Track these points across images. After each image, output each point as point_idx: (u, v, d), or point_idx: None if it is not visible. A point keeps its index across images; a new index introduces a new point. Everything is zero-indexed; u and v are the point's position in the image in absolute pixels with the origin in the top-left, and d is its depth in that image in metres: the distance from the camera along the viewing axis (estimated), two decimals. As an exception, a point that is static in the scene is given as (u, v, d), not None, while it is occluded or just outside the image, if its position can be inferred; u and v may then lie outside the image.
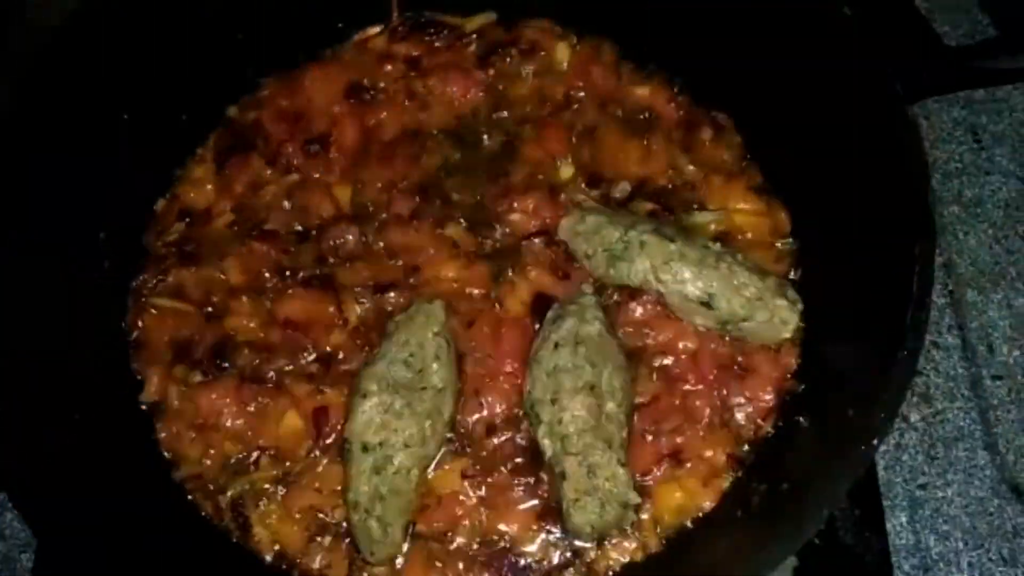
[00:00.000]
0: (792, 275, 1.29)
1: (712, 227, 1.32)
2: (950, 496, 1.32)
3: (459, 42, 1.47)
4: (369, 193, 1.36)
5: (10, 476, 1.01)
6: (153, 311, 1.30)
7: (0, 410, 1.03)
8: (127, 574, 1.04)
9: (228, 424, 1.22)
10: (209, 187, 1.37)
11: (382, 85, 1.44)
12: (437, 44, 1.47)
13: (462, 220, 1.33)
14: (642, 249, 1.21)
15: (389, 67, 1.45)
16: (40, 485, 1.02)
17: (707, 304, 1.19)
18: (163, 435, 1.23)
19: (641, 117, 1.41)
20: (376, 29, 1.48)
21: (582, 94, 1.42)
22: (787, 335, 1.21)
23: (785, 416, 1.20)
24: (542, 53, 1.46)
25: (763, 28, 1.28)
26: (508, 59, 1.45)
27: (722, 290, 1.19)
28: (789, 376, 1.22)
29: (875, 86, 1.14)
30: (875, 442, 0.96)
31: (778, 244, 1.31)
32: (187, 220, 1.35)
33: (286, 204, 1.35)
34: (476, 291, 1.29)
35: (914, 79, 1.28)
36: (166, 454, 1.23)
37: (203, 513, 1.20)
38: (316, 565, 1.17)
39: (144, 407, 1.25)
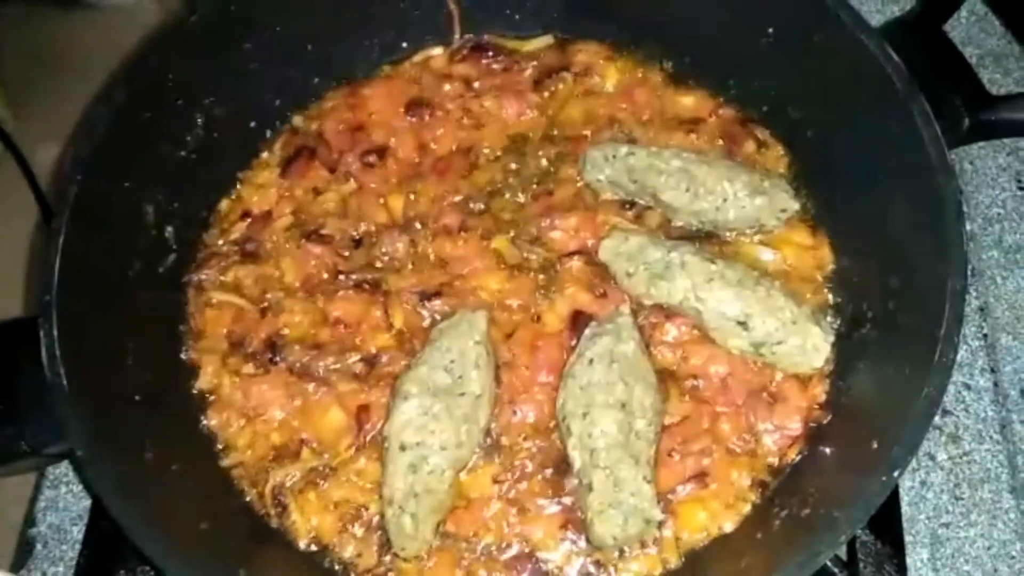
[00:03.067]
0: (825, 308, 1.32)
1: (766, 263, 1.34)
2: (973, 537, 1.33)
3: (516, 64, 1.53)
4: (421, 204, 1.42)
5: (78, 442, 1.08)
6: (212, 304, 1.36)
7: (73, 390, 1.10)
8: (171, 545, 1.08)
9: (275, 415, 1.28)
10: (272, 191, 1.44)
11: (440, 103, 1.50)
12: (494, 66, 1.53)
13: (507, 235, 1.39)
14: (683, 269, 1.26)
15: (448, 87, 1.51)
16: (103, 457, 1.09)
17: (743, 324, 1.23)
18: (213, 421, 1.30)
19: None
20: (438, 50, 1.55)
21: (624, 116, 1.47)
22: (818, 364, 1.24)
23: (810, 445, 1.23)
24: (594, 77, 1.51)
25: (807, 66, 1.32)
26: (561, 82, 1.50)
27: (759, 312, 1.22)
28: (817, 406, 1.25)
29: (917, 128, 1.17)
30: (895, 474, 0.99)
31: (817, 277, 1.34)
32: (249, 221, 1.42)
33: (343, 211, 1.42)
34: (517, 304, 1.34)
35: (958, 125, 1.31)
36: (215, 440, 1.29)
37: (247, 499, 1.26)
38: (347, 554, 1.22)
39: (197, 394, 1.32)
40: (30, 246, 1.77)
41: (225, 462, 1.28)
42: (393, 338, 1.32)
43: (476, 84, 1.51)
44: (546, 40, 1.55)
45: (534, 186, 1.43)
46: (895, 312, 1.20)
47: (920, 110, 1.16)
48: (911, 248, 1.19)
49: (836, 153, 1.32)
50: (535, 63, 1.53)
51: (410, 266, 1.37)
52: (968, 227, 1.51)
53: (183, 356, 1.34)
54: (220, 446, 1.29)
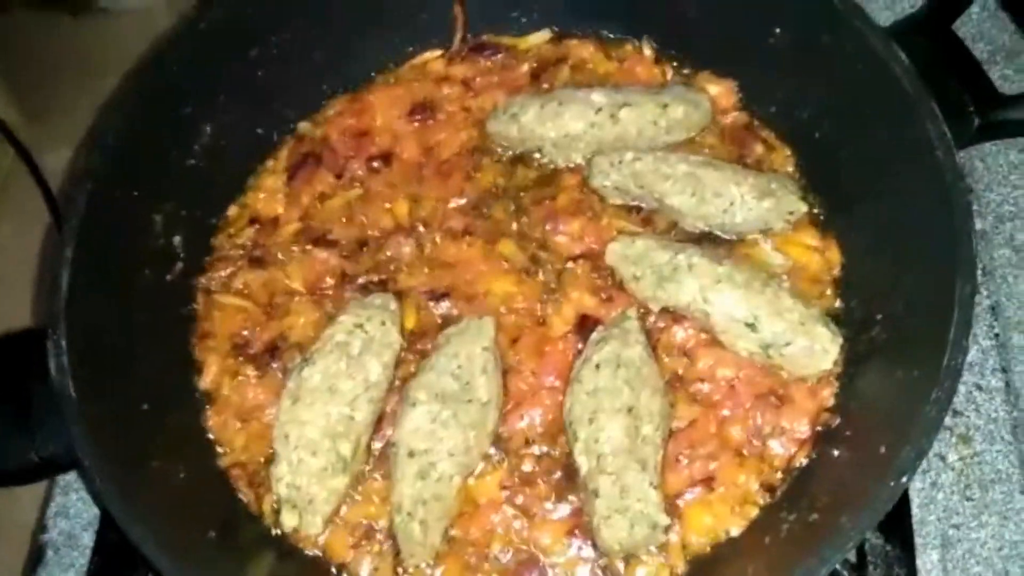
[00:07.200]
0: (834, 310, 1.31)
1: (775, 266, 1.33)
2: (983, 538, 1.32)
3: (513, 61, 1.53)
4: (426, 208, 1.42)
5: (86, 454, 1.09)
6: (220, 307, 1.37)
7: (81, 401, 1.10)
8: (180, 555, 1.08)
9: (271, 417, 1.27)
10: (279, 196, 1.45)
11: (441, 105, 1.49)
12: (492, 64, 1.52)
13: (512, 238, 1.38)
14: (691, 271, 1.25)
15: (447, 89, 1.51)
16: (111, 467, 1.09)
17: (752, 326, 1.22)
18: (212, 421, 1.30)
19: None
20: (436, 52, 1.54)
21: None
22: (826, 366, 1.23)
23: (819, 448, 1.22)
24: (589, 66, 1.51)
25: (814, 66, 1.31)
26: (558, 76, 1.49)
27: (767, 313, 1.22)
28: (825, 409, 1.24)
29: (926, 129, 1.16)
30: (904, 479, 0.98)
31: (825, 278, 1.33)
32: (257, 226, 1.43)
33: (349, 216, 1.42)
34: (523, 308, 1.33)
35: (968, 125, 1.30)
36: (212, 439, 1.29)
37: (245, 501, 1.26)
38: (364, 572, 1.22)
39: (200, 395, 1.32)
40: (41, 251, 1.78)
41: (223, 462, 1.28)
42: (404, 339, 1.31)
43: (475, 83, 1.51)
44: (544, 36, 1.55)
45: (537, 189, 1.42)
46: (904, 314, 1.19)
47: (928, 111, 1.15)
48: (920, 249, 1.17)
49: (844, 154, 1.31)
50: (532, 58, 1.53)
51: (416, 270, 1.37)
52: (979, 225, 1.50)
53: (195, 357, 1.34)
54: (218, 447, 1.29)
